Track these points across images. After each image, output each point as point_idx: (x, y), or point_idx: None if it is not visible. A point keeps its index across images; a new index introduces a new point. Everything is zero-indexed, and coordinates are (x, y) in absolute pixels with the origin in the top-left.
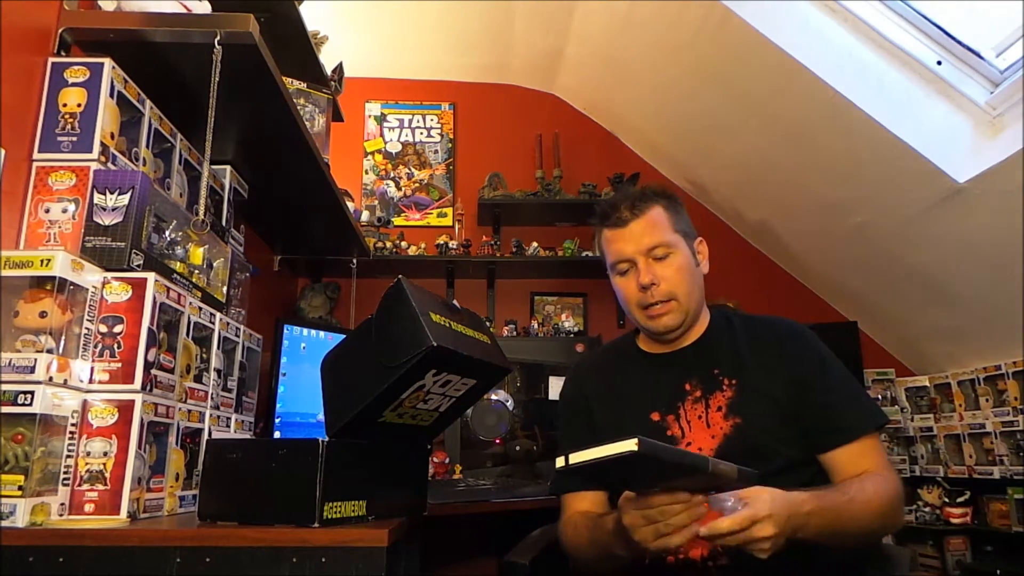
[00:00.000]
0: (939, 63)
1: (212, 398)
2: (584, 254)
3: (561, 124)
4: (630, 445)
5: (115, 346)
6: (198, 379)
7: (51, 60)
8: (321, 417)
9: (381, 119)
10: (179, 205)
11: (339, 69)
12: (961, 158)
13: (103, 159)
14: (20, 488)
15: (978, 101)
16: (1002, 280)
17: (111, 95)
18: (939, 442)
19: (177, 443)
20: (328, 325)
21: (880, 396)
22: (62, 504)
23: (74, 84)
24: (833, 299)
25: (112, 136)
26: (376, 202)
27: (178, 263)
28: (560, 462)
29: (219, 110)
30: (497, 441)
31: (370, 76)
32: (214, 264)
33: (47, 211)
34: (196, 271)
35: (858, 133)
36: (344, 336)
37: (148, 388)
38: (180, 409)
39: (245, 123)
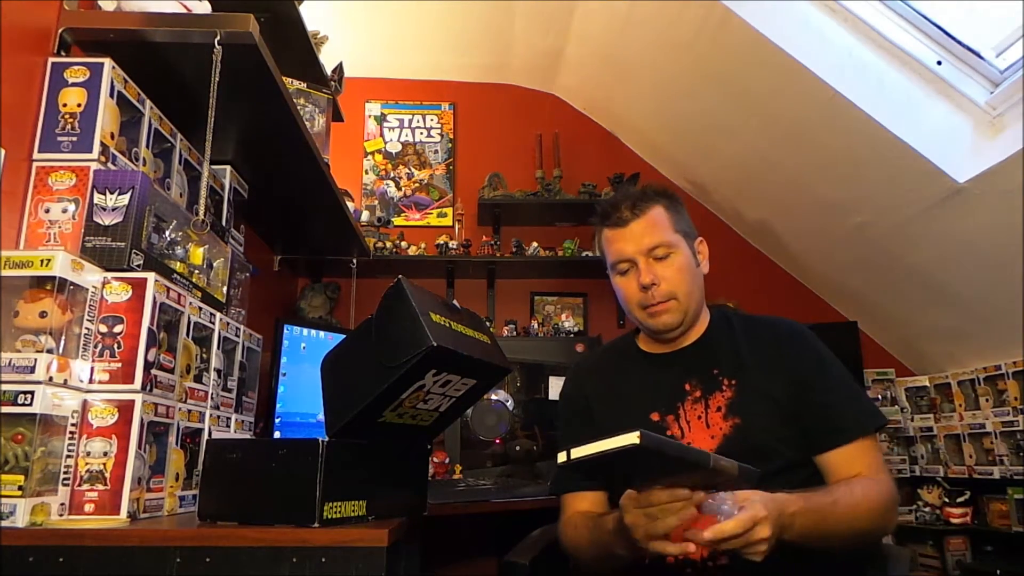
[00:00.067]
0: (939, 63)
1: (212, 398)
2: (584, 254)
3: (561, 124)
4: (632, 438)
5: (115, 346)
6: (198, 379)
7: (51, 60)
8: (321, 417)
9: (381, 119)
10: (179, 205)
11: (339, 69)
12: (961, 158)
13: (103, 159)
14: (20, 488)
15: (978, 101)
16: (1002, 280)
17: (111, 95)
18: (939, 442)
19: (177, 443)
20: (328, 325)
21: (880, 396)
22: (62, 504)
23: (74, 84)
24: (833, 299)
25: (112, 136)
26: (376, 202)
27: (178, 263)
28: (562, 457)
29: (219, 110)
30: (497, 441)
31: (370, 76)
32: (214, 264)
33: (47, 211)
34: (196, 271)
35: (858, 133)
36: (344, 336)
37: (148, 388)
38: (180, 409)
39: (245, 123)
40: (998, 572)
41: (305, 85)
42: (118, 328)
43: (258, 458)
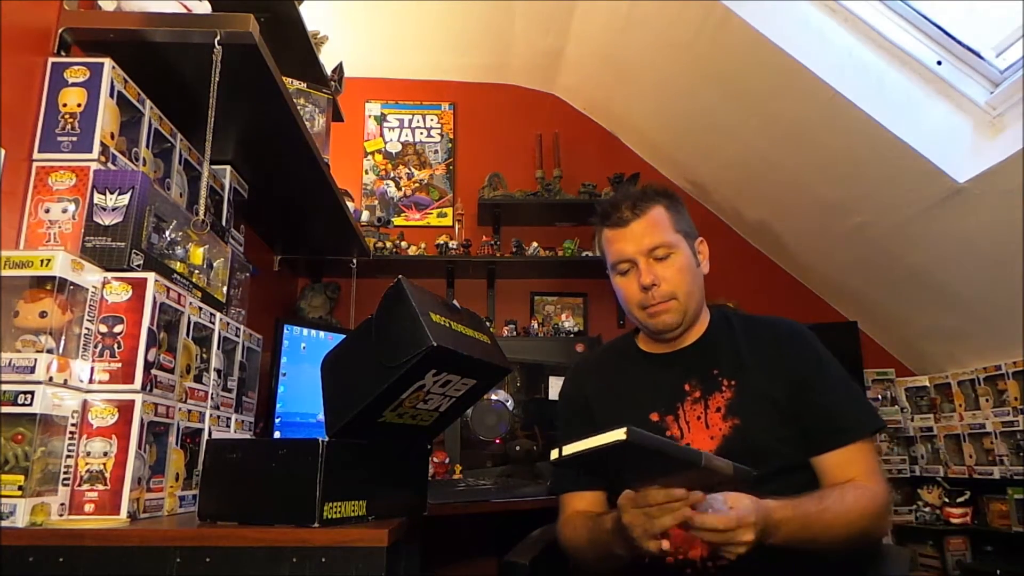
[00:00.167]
0: (939, 63)
1: (212, 398)
2: (584, 254)
3: (561, 124)
4: (619, 435)
5: (115, 346)
6: (198, 379)
7: (51, 60)
8: (321, 417)
9: (381, 119)
10: (179, 205)
11: (339, 69)
12: (961, 158)
13: (103, 159)
14: (20, 488)
15: (978, 101)
16: (1002, 280)
17: (111, 95)
18: (939, 442)
19: (177, 443)
20: (328, 325)
21: (880, 396)
22: (62, 504)
23: (74, 84)
24: (833, 299)
25: (112, 136)
26: (376, 202)
27: (178, 263)
28: (554, 454)
29: (219, 110)
30: (497, 441)
31: (370, 76)
32: (214, 264)
33: (47, 211)
34: (196, 271)
35: (858, 133)
36: (344, 336)
37: (148, 388)
38: (180, 409)
39: (245, 123)
40: (998, 572)
41: (305, 85)
42: (118, 328)
43: (258, 458)
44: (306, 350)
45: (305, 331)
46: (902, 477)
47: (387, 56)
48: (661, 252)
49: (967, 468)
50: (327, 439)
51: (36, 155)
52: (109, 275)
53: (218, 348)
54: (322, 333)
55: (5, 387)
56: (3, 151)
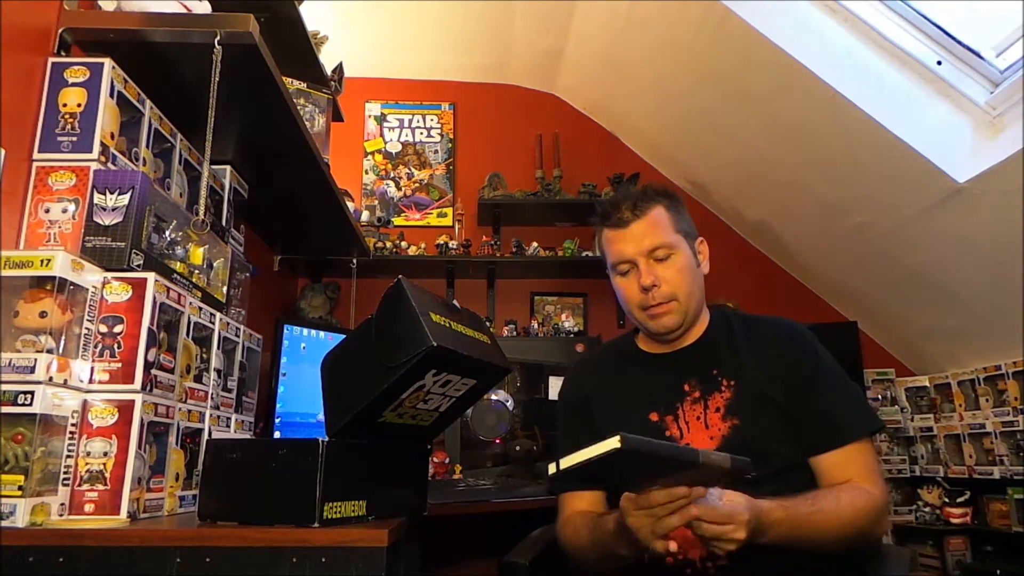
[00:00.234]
0: (939, 63)
1: (212, 398)
2: (584, 254)
3: (561, 124)
4: (614, 443)
5: (115, 346)
6: (198, 379)
7: (51, 60)
8: (321, 417)
9: (381, 119)
10: (179, 205)
11: (339, 69)
12: (961, 158)
13: (103, 159)
14: (20, 488)
15: (978, 101)
16: (1002, 280)
17: (111, 95)
18: (939, 442)
19: (177, 443)
20: (328, 325)
21: (880, 396)
22: (62, 504)
23: (74, 84)
24: (833, 299)
25: (112, 136)
26: (376, 202)
27: (178, 263)
28: (552, 468)
29: (219, 110)
30: (497, 441)
31: (370, 76)
32: (214, 264)
33: (47, 211)
34: (196, 271)
35: (858, 133)
36: (344, 336)
37: (148, 388)
38: (180, 409)
39: (245, 123)
40: (998, 572)
41: (305, 85)
42: (118, 328)
43: (258, 458)
44: (306, 350)
45: (305, 331)
46: (902, 477)
47: (387, 56)
48: (661, 253)
49: (967, 468)
50: (327, 439)
51: (36, 155)
52: (109, 275)
53: (218, 348)
54: (322, 333)
55: (5, 387)
56: (3, 151)
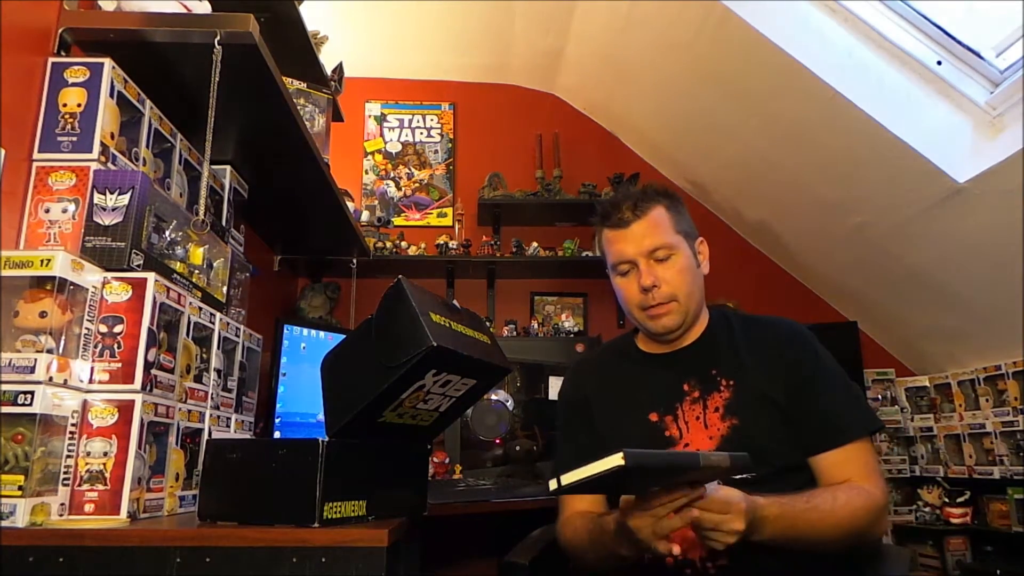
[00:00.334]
0: (939, 63)
1: (212, 398)
2: (584, 254)
3: (561, 124)
4: (617, 460)
5: (115, 346)
6: (198, 379)
7: (51, 60)
8: (321, 417)
9: (381, 119)
10: (179, 205)
11: (339, 69)
12: (961, 158)
13: (103, 159)
14: (20, 488)
15: (978, 101)
16: (1002, 280)
17: (111, 95)
18: (939, 442)
19: (177, 443)
20: (328, 325)
21: (880, 396)
22: (62, 504)
23: (74, 84)
24: (833, 299)
25: (112, 136)
26: (376, 202)
27: (178, 263)
28: (553, 484)
29: (219, 110)
30: (497, 441)
31: (370, 76)
32: (214, 264)
33: (47, 211)
34: (196, 271)
35: (858, 133)
36: (344, 336)
37: (148, 388)
38: (180, 409)
39: (245, 123)
40: (998, 572)
41: (305, 85)
42: (118, 328)
43: (258, 458)
44: (306, 350)
45: (305, 331)
46: (902, 477)
47: (387, 56)
48: (662, 253)
49: (967, 468)
50: (327, 439)
51: (36, 155)
52: (109, 275)
53: (218, 348)
54: (322, 333)
55: (5, 387)
56: (3, 151)
